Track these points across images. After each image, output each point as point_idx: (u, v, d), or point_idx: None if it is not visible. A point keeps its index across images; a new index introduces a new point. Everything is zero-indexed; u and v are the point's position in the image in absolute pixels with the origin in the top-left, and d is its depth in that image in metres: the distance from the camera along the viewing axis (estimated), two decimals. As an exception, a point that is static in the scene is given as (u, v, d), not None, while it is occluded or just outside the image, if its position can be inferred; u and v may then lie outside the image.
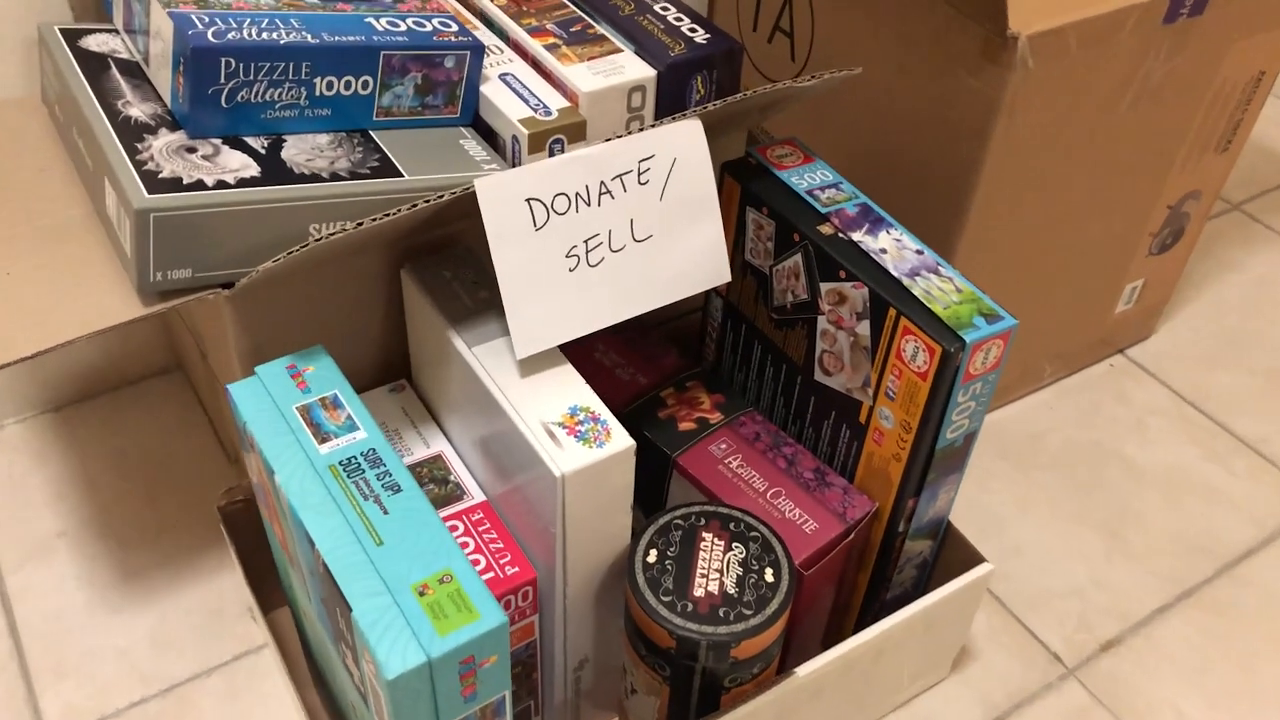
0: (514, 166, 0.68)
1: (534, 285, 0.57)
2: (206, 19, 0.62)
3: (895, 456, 0.63)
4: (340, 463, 0.55)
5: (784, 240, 0.67)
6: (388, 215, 0.55)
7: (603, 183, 0.58)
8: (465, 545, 0.60)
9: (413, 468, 0.65)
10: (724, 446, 0.68)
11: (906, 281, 0.61)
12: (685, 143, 0.60)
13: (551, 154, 0.69)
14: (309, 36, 0.64)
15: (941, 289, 0.60)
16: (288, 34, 0.63)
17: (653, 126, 0.59)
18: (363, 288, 0.67)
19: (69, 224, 0.63)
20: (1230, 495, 0.92)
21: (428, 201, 0.56)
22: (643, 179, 0.59)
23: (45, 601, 0.80)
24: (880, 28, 0.78)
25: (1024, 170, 0.77)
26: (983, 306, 0.59)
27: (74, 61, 0.67)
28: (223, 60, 0.60)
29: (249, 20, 0.63)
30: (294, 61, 0.63)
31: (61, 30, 0.70)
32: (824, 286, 0.65)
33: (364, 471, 0.55)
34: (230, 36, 0.61)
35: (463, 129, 0.71)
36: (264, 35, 0.62)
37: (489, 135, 0.70)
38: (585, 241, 0.58)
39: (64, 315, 0.57)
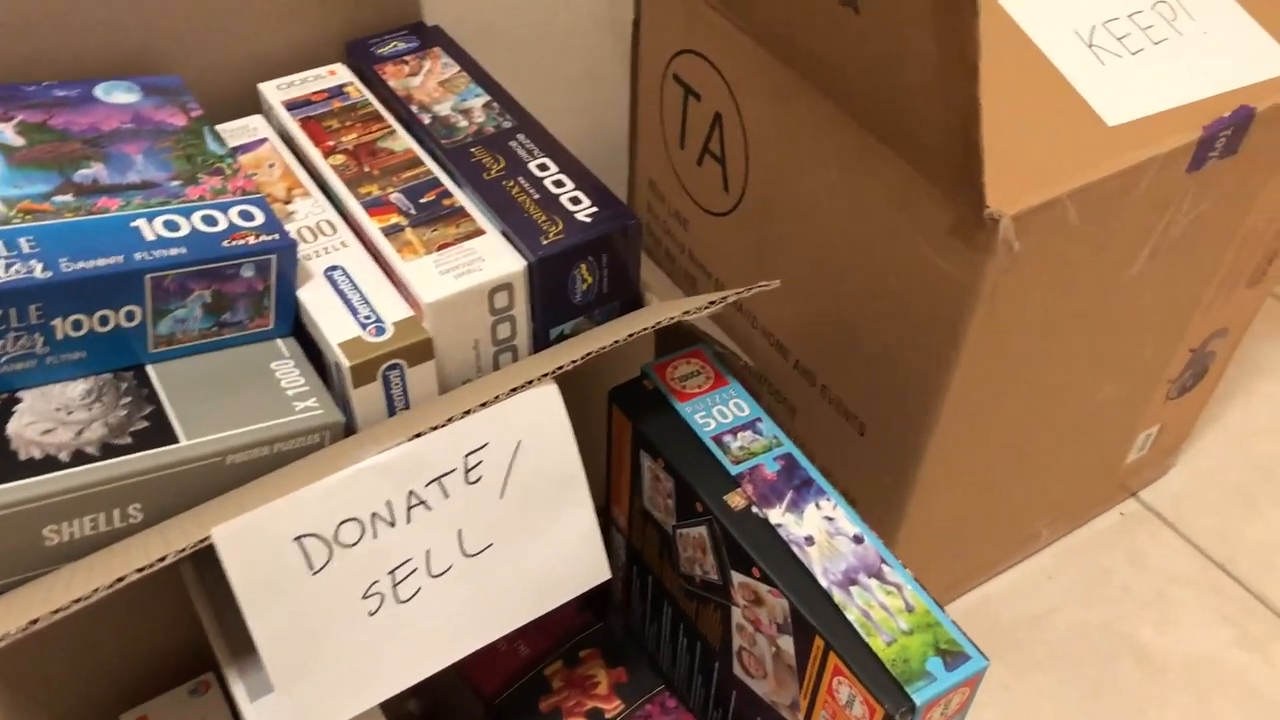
0: (341, 401, 0.52)
1: (314, 649, 0.41)
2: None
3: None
4: None
5: (686, 504, 0.51)
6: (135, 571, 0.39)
7: (413, 493, 0.42)
8: None
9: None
10: (618, 762, 0.52)
11: (839, 596, 0.45)
12: (534, 419, 0.44)
13: (387, 384, 0.53)
14: (39, 268, 0.47)
15: (885, 608, 0.44)
16: (7, 267, 0.47)
17: (482, 408, 0.43)
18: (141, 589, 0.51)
19: None
20: (1271, 696, 0.76)
21: (180, 551, 0.40)
22: (472, 477, 0.43)
23: None
24: (825, 171, 0.61)
25: (1012, 358, 0.61)
26: (941, 638, 0.44)
27: None
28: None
29: (-55, 254, 0.47)
30: (16, 307, 0.47)
31: None
32: (735, 577, 0.49)
33: None
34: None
35: (279, 342, 0.55)
36: (-39, 278, 0.46)
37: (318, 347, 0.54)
38: (391, 573, 0.42)
39: None
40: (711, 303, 0.48)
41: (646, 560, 0.57)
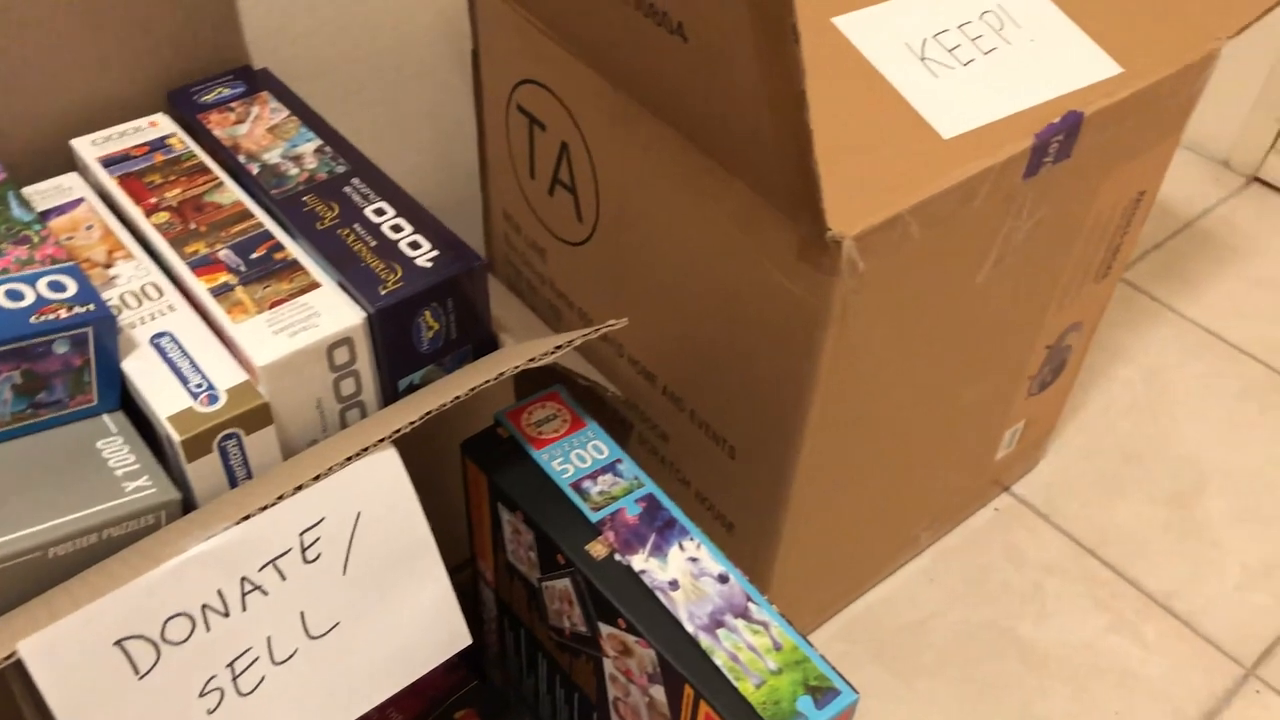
0: (177, 476, 0.49)
1: (148, 757, 0.38)
2: None
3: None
4: None
5: (548, 556, 0.49)
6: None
7: (246, 579, 0.39)
8: None
9: None
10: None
11: (705, 641, 0.44)
12: (372, 488, 0.42)
13: (225, 455, 0.50)
14: None
15: (753, 649, 0.43)
16: None
17: (315, 481, 0.41)
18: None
19: None
20: (1145, 676, 0.78)
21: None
22: (310, 555, 0.41)
23: None
24: (673, 197, 0.60)
25: (870, 373, 0.60)
26: (810, 674, 0.43)
27: None
28: None
29: None
30: None
31: None
32: (603, 628, 0.47)
33: None
34: None
35: (106, 419, 0.51)
36: None
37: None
38: (229, 666, 0.39)
39: None
40: (558, 347, 0.46)
41: (517, 613, 0.56)
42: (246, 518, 0.39)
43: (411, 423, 0.43)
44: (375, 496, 0.42)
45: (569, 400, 0.53)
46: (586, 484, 0.49)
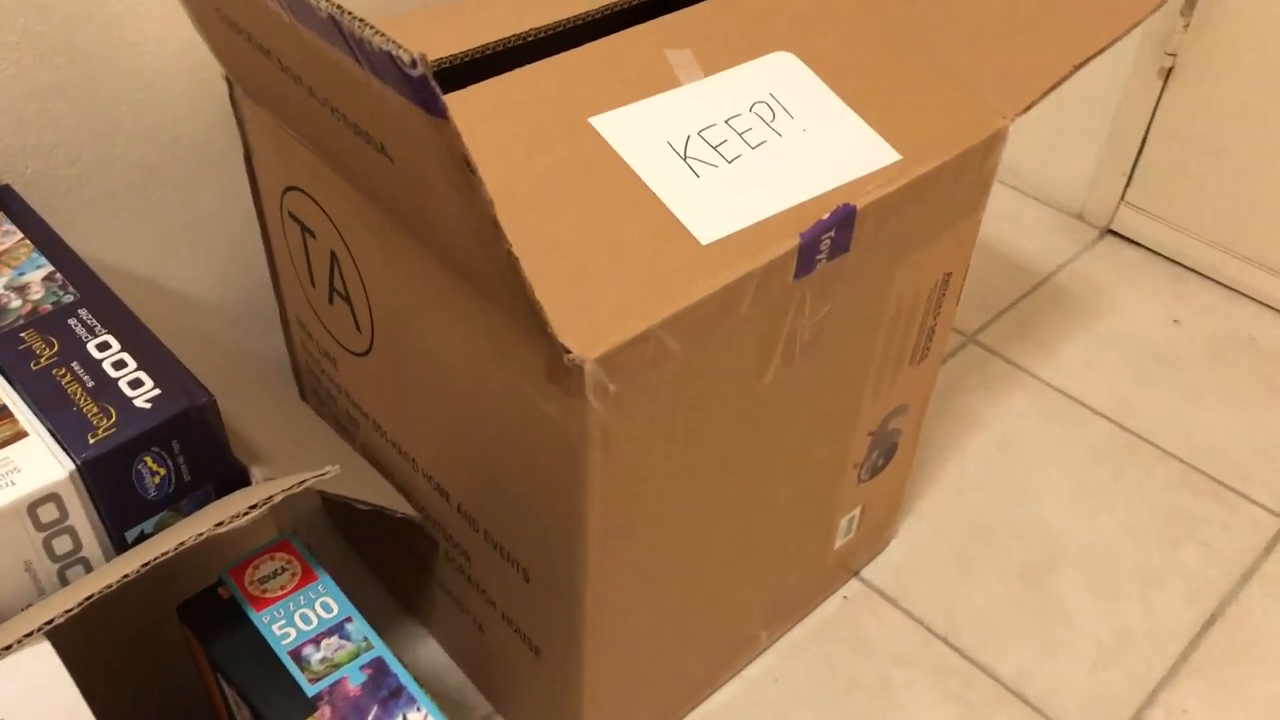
0: None
1: None
2: None
3: None
4: None
5: (265, 733, 0.44)
6: None
7: None
8: None
9: None
10: None
11: (418, 835, 0.39)
12: (23, 689, 0.37)
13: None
14: None
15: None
16: None
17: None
18: None
19: None
20: (994, 772, 0.75)
21: None
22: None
23: None
24: (433, 313, 0.56)
25: (653, 486, 0.57)
26: None
27: None
28: None
29: None
30: None
31: None
32: (321, 817, 0.42)
33: None
34: None
35: None
36: None
37: None
38: None
39: None
40: (252, 506, 0.42)
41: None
42: None
43: (68, 611, 0.38)
44: (27, 699, 0.37)
45: (301, 550, 0.48)
46: (308, 650, 0.45)
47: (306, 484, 0.43)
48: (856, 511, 0.79)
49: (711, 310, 0.51)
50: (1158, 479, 0.95)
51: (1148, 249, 1.21)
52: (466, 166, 0.37)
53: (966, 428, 0.99)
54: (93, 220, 0.70)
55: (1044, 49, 0.68)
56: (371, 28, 0.35)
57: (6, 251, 0.58)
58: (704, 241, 0.52)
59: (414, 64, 0.34)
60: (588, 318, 0.48)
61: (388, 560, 0.81)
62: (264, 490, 0.43)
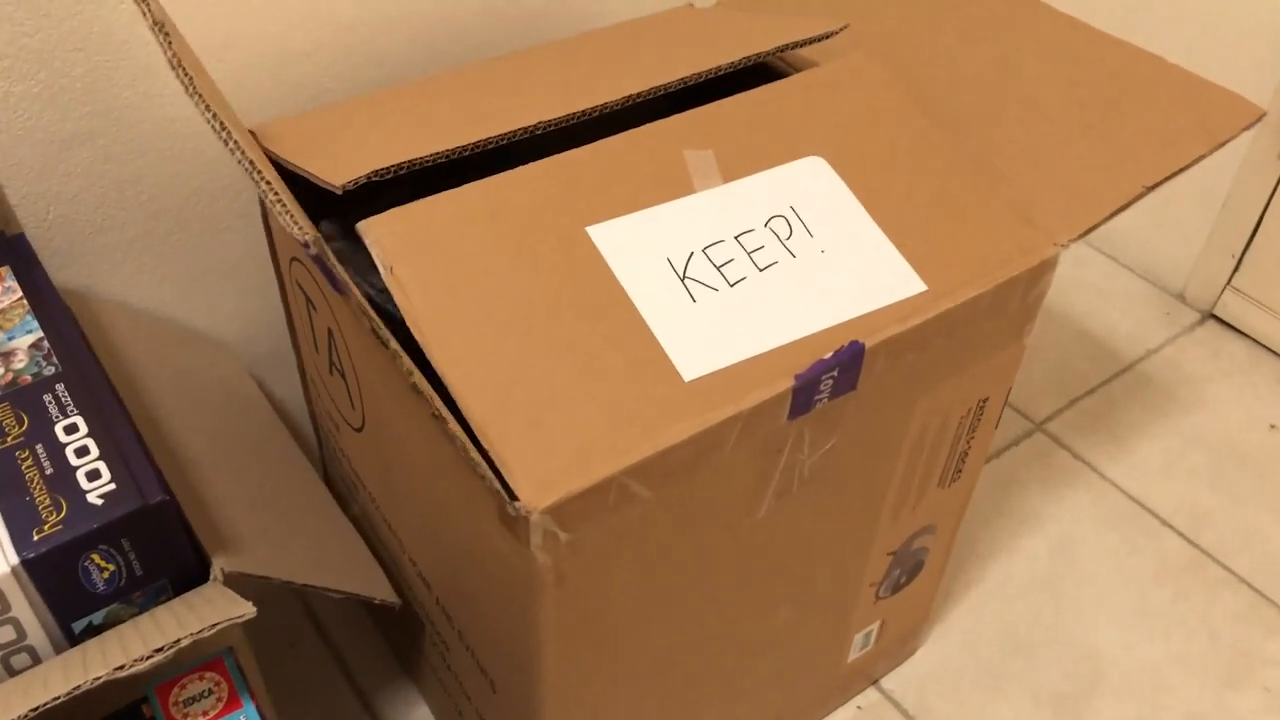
0: None
1: None
2: None
3: None
4: None
5: None
6: None
7: None
8: None
9: None
10: None
11: None
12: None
13: None
14: None
15: None
16: None
17: None
18: None
19: None
20: None
21: None
22: None
23: None
24: (410, 415, 0.54)
25: (621, 620, 0.53)
26: None
27: None
28: None
29: None
30: None
31: None
32: None
33: None
34: None
35: None
36: None
37: None
38: None
39: None
40: (158, 650, 0.40)
41: None
42: None
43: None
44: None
45: (232, 671, 0.47)
46: (214, 792, 0.43)
47: (219, 627, 0.41)
48: (875, 626, 0.75)
49: (686, 455, 0.48)
50: (1223, 606, 0.87)
51: (1253, 340, 1.11)
52: (377, 339, 0.34)
53: (1018, 528, 0.93)
54: (116, 264, 0.70)
55: (1116, 162, 0.62)
56: (282, 204, 0.32)
57: (1, 313, 0.58)
58: (687, 378, 0.48)
59: (307, 245, 0.31)
60: (544, 461, 0.45)
61: (390, 620, 0.80)
62: (173, 633, 0.41)
